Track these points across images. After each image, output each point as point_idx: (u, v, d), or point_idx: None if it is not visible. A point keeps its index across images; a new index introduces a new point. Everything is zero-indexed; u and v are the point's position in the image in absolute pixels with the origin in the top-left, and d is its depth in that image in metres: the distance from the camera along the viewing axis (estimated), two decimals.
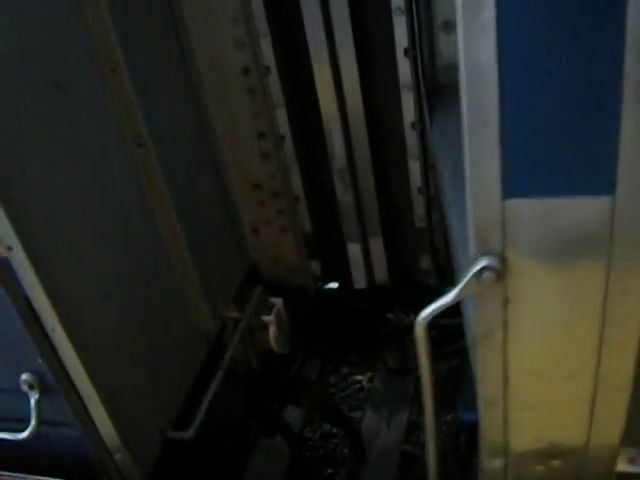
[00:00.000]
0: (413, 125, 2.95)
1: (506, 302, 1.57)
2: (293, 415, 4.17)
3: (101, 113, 2.42)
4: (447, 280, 3.47)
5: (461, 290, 1.51)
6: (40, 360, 2.24)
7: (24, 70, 2.04)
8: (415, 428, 4.96)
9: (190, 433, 2.79)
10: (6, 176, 1.94)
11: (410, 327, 4.94)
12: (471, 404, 3.06)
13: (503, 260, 1.48)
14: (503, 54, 1.25)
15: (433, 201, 3.14)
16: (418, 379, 5.35)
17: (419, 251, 3.35)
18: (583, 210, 1.40)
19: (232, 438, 3.32)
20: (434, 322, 4.52)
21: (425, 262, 3.36)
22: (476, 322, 1.60)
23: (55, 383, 2.30)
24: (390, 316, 4.89)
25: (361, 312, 5.00)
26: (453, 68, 2.90)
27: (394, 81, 2.89)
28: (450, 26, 2.81)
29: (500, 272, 1.48)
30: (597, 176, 1.36)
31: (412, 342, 4.94)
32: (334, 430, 5.00)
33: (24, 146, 2.04)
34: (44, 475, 2.62)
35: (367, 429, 4.77)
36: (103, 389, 2.36)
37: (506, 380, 1.73)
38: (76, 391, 2.35)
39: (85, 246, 2.31)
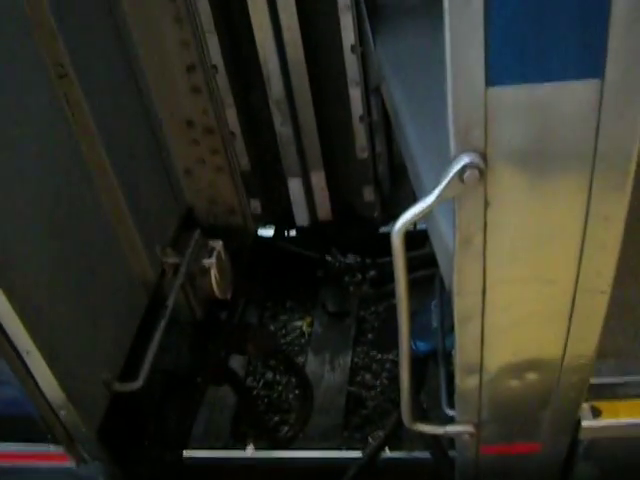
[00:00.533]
0: (353, 48, 2.81)
1: (486, 205, 1.48)
2: (234, 365, 4.06)
3: (17, 40, 2.19)
4: (392, 213, 3.39)
5: (441, 192, 1.40)
6: None
7: None
8: (359, 369, 4.95)
9: (137, 384, 2.65)
10: None
11: (348, 269, 4.87)
12: (425, 334, 3.04)
13: (485, 157, 1.39)
14: None
15: (376, 129, 3.03)
16: (359, 320, 5.35)
17: (362, 183, 3.24)
18: (571, 95, 1.31)
19: (179, 389, 3.18)
20: (373, 263, 4.44)
21: (369, 194, 3.26)
22: (455, 228, 1.51)
23: None
24: (328, 258, 4.82)
25: (297, 256, 4.91)
26: None
27: (332, 2, 2.73)
28: None
29: (482, 170, 1.38)
30: (586, 58, 1.27)
31: (350, 284, 4.90)
32: (277, 378, 4.94)
33: None
34: None
35: (311, 374, 4.73)
36: (42, 343, 2.20)
37: (484, 291, 1.65)
38: (13, 346, 2.17)
39: (10, 185, 2.10)
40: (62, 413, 2.37)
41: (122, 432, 2.74)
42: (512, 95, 1.32)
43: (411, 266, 2.57)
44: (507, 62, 1.28)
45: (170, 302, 2.97)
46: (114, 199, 2.67)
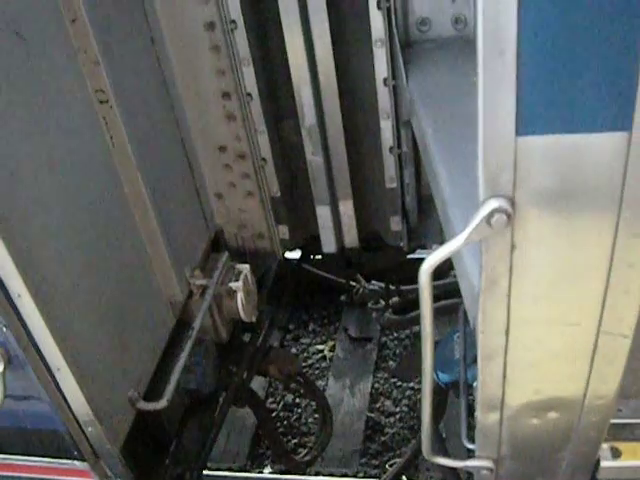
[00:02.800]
0: (385, 81, 2.86)
1: (513, 248, 1.51)
2: (255, 386, 4.11)
3: (62, 66, 2.28)
4: (418, 243, 3.43)
5: (469, 234, 1.44)
6: (4, 329, 2.11)
7: None
8: (379, 395, 4.98)
9: (161, 404, 2.70)
10: None
11: (371, 294, 4.89)
12: (447, 365, 3.05)
13: (513, 202, 1.42)
14: None
15: (405, 161, 3.07)
16: (380, 346, 5.37)
17: (390, 212, 3.28)
18: (598, 147, 1.35)
19: (201, 408, 3.23)
20: (397, 289, 4.46)
21: (396, 223, 3.29)
22: (480, 271, 1.54)
23: (21, 354, 2.18)
24: (353, 284, 4.87)
25: (322, 279, 4.97)
26: (427, 22, 2.83)
27: (366, 36, 2.79)
28: None
29: (510, 215, 1.42)
30: (614, 111, 1.31)
31: (373, 309, 4.92)
32: (297, 400, 4.98)
33: None
34: (11, 453, 2.50)
35: (331, 398, 4.77)
36: (73, 360, 2.25)
37: (508, 331, 1.68)
38: (44, 362, 2.23)
39: (49, 205, 2.18)
40: (89, 430, 2.42)
41: (144, 450, 2.79)
42: (541, 144, 1.35)
43: (434, 295, 2.61)
44: (537, 113, 1.31)
45: (197, 323, 3.02)
46: (147, 220, 2.74)
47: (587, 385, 1.81)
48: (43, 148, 2.16)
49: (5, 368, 2.20)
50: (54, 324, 2.15)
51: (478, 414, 1.92)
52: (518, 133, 1.34)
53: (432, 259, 1.50)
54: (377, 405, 4.90)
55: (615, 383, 1.81)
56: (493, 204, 1.41)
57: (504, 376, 1.80)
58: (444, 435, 3.88)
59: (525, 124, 1.32)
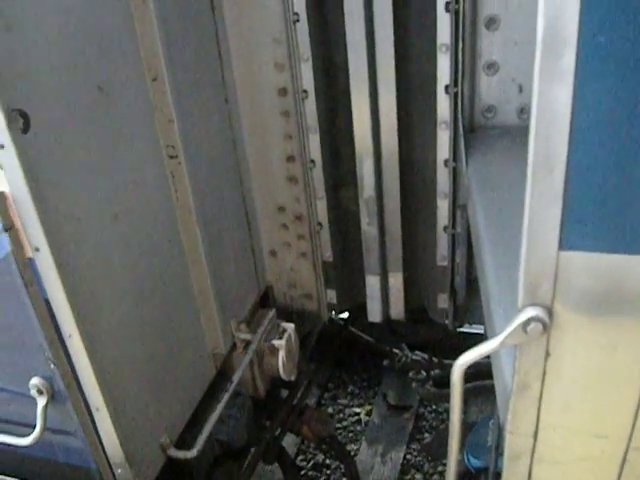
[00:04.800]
0: (446, 163, 2.92)
1: (547, 355, 1.53)
2: (287, 442, 4.10)
3: (139, 120, 2.41)
4: (463, 321, 3.43)
5: (504, 339, 1.47)
6: (53, 365, 2.20)
7: (72, 72, 2.03)
8: (410, 467, 4.90)
9: (192, 453, 2.74)
10: (43, 178, 1.92)
11: (413, 364, 4.86)
12: (479, 450, 3.03)
13: (551, 312, 1.45)
14: (578, 103, 1.22)
15: (458, 241, 3.11)
16: (417, 417, 5.29)
17: (438, 290, 3.30)
18: (638, 269, 1.37)
19: (231, 460, 3.26)
20: (439, 362, 4.43)
21: (443, 301, 3.31)
22: (514, 374, 1.56)
23: (65, 390, 2.26)
24: (396, 351, 4.86)
25: (365, 343, 4.98)
26: (492, 109, 2.88)
27: (431, 117, 2.87)
28: (493, 67, 2.80)
29: (546, 324, 1.44)
30: None
31: (414, 379, 4.88)
32: (327, 461, 4.94)
33: (64, 148, 2.02)
34: None
35: (361, 463, 4.72)
36: (111, 401, 2.32)
37: (536, 434, 1.68)
38: (85, 400, 2.31)
39: (109, 253, 2.28)
40: (119, 471, 2.47)
41: None
42: (583, 259, 1.38)
43: (476, 373, 2.61)
44: (582, 231, 1.34)
45: (236, 377, 3.07)
46: (200, 271, 2.82)
47: None
48: (111, 197, 2.27)
49: (48, 402, 2.29)
50: (99, 366, 2.23)
51: None
52: (561, 247, 1.37)
53: (466, 357, 1.53)
54: (407, 477, 4.82)
55: None
56: (530, 312, 1.43)
57: (529, 476, 1.79)
58: None
59: (568, 240, 1.35)
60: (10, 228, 1.95)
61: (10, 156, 1.82)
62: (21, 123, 1.84)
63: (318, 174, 3.15)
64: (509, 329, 1.44)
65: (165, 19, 2.41)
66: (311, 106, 2.98)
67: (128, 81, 2.32)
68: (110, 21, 2.21)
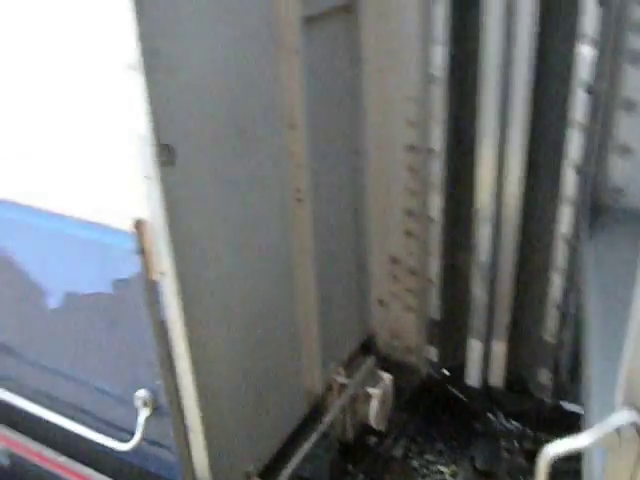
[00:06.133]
0: (566, 239, 2.89)
1: (638, 461, 1.50)
2: None
3: (271, 163, 2.53)
4: (563, 399, 3.35)
5: (597, 440, 1.45)
6: (159, 382, 2.34)
7: (216, 113, 2.18)
8: None
9: None
10: (179, 208, 2.06)
11: (506, 432, 4.74)
12: None
13: None
14: None
15: (568, 320, 3.05)
16: None
17: (541, 365, 3.24)
18: None
19: None
20: (533, 435, 4.29)
21: (544, 377, 3.25)
22: (604, 472, 1.54)
23: (166, 406, 2.39)
24: (490, 416, 4.76)
25: (461, 402, 4.90)
26: (621, 193, 2.83)
27: (556, 192, 2.85)
28: (628, 151, 2.76)
29: None
30: None
31: (505, 448, 4.76)
32: None
33: (201, 182, 2.17)
34: None
35: None
36: (208, 424, 2.42)
37: None
38: (183, 418, 2.42)
39: (227, 284, 2.40)
40: None
41: None
42: None
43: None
44: None
45: (327, 418, 3.13)
46: (308, 310, 2.91)
47: None
48: (237, 231, 2.39)
49: (150, 415, 2.43)
50: (200, 388, 2.34)
51: None
52: None
53: (555, 449, 1.52)
54: None
55: None
56: (626, 417, 1.41)
57: None
58: None
59: None
60: (143, 251, 2.11)
61: (154, 186, 1.98)
62: (167, 157, 2.00)
63: (435, 231, 3.19)
64: (602, 429, 1.43)
65: (310, 70, 2.55)
66: (436, 165, 3.03)
67: (267, 126, 2.46)
68: (255, 69, 2.34)
